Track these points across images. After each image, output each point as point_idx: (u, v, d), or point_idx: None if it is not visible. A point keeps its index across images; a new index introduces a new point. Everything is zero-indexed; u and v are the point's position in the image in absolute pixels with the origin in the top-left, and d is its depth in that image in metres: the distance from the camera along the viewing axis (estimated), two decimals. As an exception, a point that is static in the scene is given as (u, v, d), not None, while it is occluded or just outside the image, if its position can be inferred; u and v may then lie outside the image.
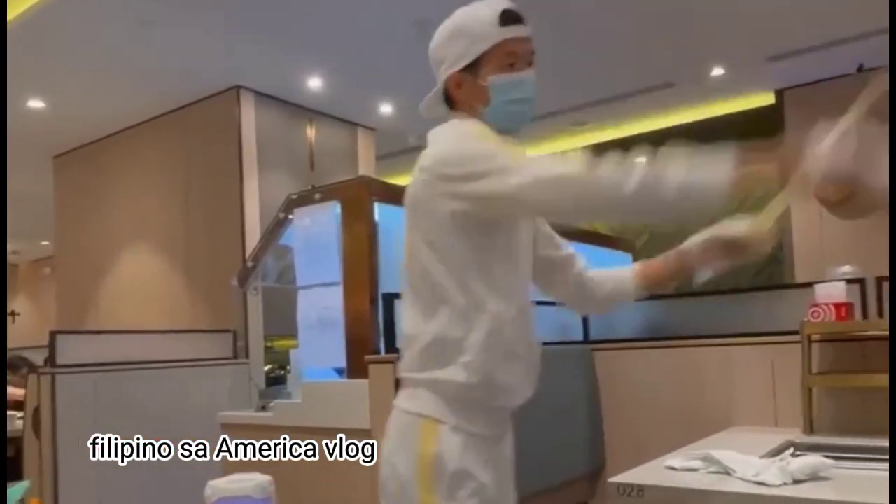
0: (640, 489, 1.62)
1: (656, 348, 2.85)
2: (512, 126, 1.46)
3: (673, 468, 1.76)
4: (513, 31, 1.39)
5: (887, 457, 1.87)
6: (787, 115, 5.82)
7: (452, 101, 1.47)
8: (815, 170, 1.22)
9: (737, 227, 1.45)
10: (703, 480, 1.64)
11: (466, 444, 1.35)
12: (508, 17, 1.38)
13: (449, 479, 1.32)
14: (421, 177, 1.39)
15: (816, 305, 2.31)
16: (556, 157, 1.32)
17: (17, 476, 3.59)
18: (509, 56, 1.39)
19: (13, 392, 4.47)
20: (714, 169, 1.26)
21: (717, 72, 5.57)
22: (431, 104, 1.50)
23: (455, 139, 1.42)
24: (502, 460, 1.46)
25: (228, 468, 2.70)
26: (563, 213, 1.44)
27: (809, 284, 2.48)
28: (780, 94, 5.89)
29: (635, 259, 4.63)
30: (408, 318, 1.44)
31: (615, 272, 1.65)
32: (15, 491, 0.86)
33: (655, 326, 3.13)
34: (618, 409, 2.88)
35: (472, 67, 1.40)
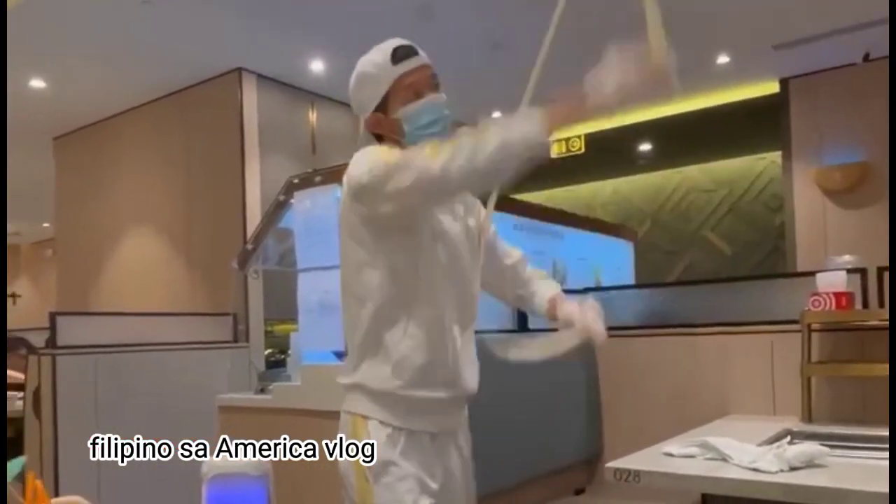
0: (637, 474, 1.62)
1: (655, 336, 2.85)
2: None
3: (670, 454, 1.76)
4: (406, 66, 1.53)
5: (885, 446, 1.87)
6: (792, 104, 5.79)
7: (377, 137, 1.60)
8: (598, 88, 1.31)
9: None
10: (701, 467, 1.65)
11: (391, 437, 1.47)
12: (399, 55, 1.53)
13: (375, 467, 1.45)
14: (344, 197, 1.54)
15: (817, 294, 2.30)
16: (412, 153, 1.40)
17: (18, 456, 3.61)
18: (410, 87, 1.53)
19: (11, 374, 4.48)
20: (526, 121, 1.33)
21: (722, 59, 5.54)
22: (363, 142, 1.63)
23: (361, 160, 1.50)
24: (442, 457, 1.54)
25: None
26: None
27: (811, 273, 2.48)
28: (784, 82, 5.86)
29: (636, 248, 4.63)
30: (343, 322, 1.59)
31: (539, 286, 1.71)
32: (14, 464, 0.86)
33: (655, 314, 3.12)
34: (616, 397, 2.89)
35: (383, 106, 1.55)
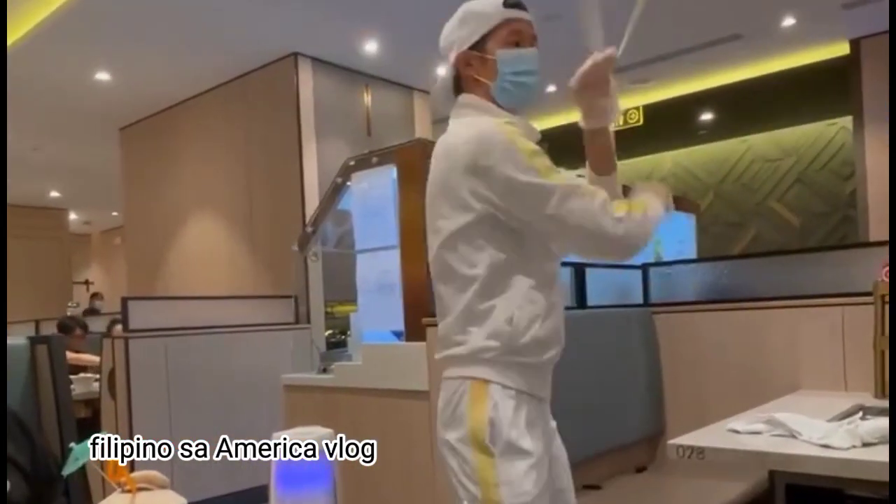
0: (701, 451, 1.59)
1: (719, 311, 2.78)
2: (519, 100, 1.54)
3: (736, 431, 1.72)
4: (515, 13, 1.51)
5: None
6: (864, 66, 5.54)
7: (462, 83, 1.55)
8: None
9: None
10: (768, 443, 1.60)
11: (517, 403, 1.43)
12: (511, 2, 1.51)
13: (500, 441, 1.40)
14: (449, 164, 1.46)
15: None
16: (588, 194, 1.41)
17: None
18: (514, 34, 1.51)
19: (71, 356, 4.68)
20: (660, 199, 1.53)
21: (788, 21, 5.31)
22: (441, 96, 1.60)
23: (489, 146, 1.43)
24: (547, 420, 1.55)
25: (289, 423, 2.78)
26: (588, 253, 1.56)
27: (884, 243, 2.37)
28: (855, 43, 5.59)
29: (698, 221, 4.51)
30: (437, 291, 1.53)
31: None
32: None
33: (719, 288, 3.05)
34: (679, 374, 2.84)
35: (480, 45, 1.51)
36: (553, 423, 1.60)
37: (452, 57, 1.54)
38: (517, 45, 1.51)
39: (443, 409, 1.48)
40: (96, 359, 4.63)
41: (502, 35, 1.50)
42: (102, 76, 5.77)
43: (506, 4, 1.50)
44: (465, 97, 1.54)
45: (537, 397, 1.49)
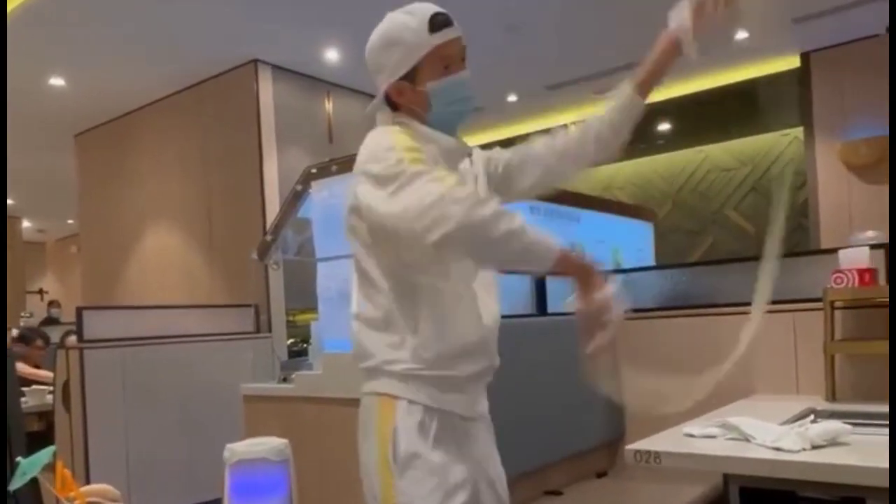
0: (657, 456, 1.62)
1: (676, 317, 2.83)
2: (456, 124, 1.48)
3: (691, 435, 1.75)
4: (443, 36, 1.40)
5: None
6: (813, 78, 5.70)
7: (395, 106, 1.48)
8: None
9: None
10: (722, 447, 1.64)
11: (423, 420, 1.36)
12: (437, 23, 1.40)
13: (402, 458, 1.34)
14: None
15: (840, 271, 2.27)
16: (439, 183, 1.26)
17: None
18: (443, 60, 1.41)
19: (27, 368, 4.57)
20: (547, 248, 1.32)
21: (742, 35, 5.45)
22: (376, 110, 1.52)
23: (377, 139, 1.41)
24: (474, 441, 1.45)
25: (248, 434, 2.75)
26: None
27: (833, 251, 2.44)
28: (805, 56, 5.76)
29: (657, 229, 4.59)
30: (355, 300, 1.46)
31: (611, 106, 1.65)
32: (44, 454, 0.87)
33: (676, 295, 3.10)
34: (638, 379, 2.87)
35: (410, 75, 1.42)
36: (487, 448, 1.50)
37: (382, 83, 1.46)
38: (447, 69, 1.41)
39: (359, 427, 1.45)
40: (39, 372, 4.52)
41: (431, 63, 1.40)
42: (57, 81, 5.65)
43: (432, 28, 1.39)
44: (398, 116, 1.47)
45: (456, 415, 1.40)
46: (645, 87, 1.62)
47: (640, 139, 7.01)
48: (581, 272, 1.36)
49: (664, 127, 6.96)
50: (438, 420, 1.37)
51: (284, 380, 3.00)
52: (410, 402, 1.36)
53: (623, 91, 1.61)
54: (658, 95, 6.31)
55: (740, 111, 6.45)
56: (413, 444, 1.34)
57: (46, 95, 5.88)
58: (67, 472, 0.81)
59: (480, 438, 1.48)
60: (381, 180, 1.29)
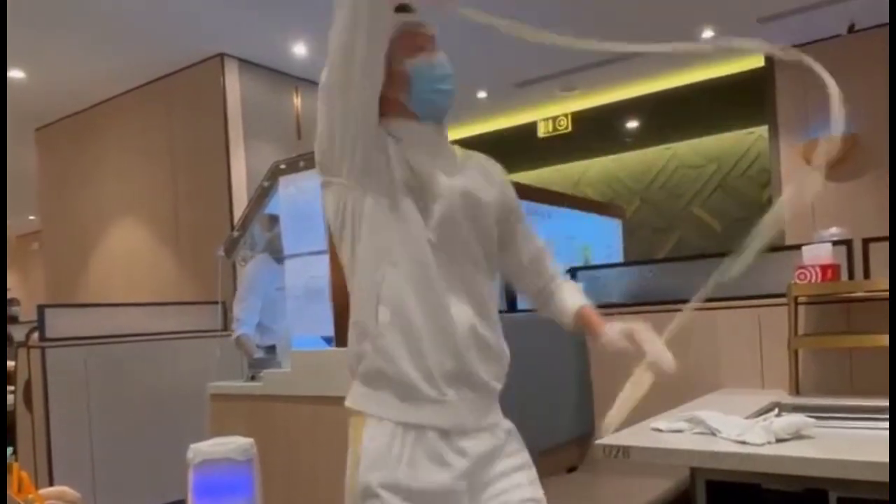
0: (626, 450, 1.63)
1: (644, 313, 2.85)
2: (438, 109, 1.38)
3: (659, 430, 1.77)
4: (408, 17, 1.37)
5: (871, 416, 1.89)
6: (777, 78, 5.79)
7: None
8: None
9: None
10: (689, 441, 1.66)
11: (393, 437, 1.25)
12: (400, 8, 1.35)
13: (363, 488, 1.25)
14: None
15: (803, 267, 2.31)
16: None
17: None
18: (416, 41, 1.35)
19: None
20: None
21: (707, 34, 5.52)
22: None
23: None
24: (458, 460, 1.29)
25: (215, 433, 2.72)
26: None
27: (797, 247, 2.48)
28: (770, 56, 5.85)
29: (625, 226, 4.63)
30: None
31: (567, 302, 1.56)
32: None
33: (644, 291, 3.13)
34: (607, 375, 2.89)
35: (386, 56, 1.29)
36: (490, 469, 1.33)
37: None
38: (421, 49, 1.35)
39: None
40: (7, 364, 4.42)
41: (404, 43, 1.33)
42: (16, 73, 5.51)
43: (396, 10, 1.33)
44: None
45: (432, 430, 1.26)
46: (579, 326, 1.56)
47: (609, 137, 7.07)
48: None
49: (632, 125, 7.02)
50: (413, 440, 1.25)
51: (253, 378, 2.97)
52: (379, 419, 1.27)
53: (566, 316, 1.56)
54: (626, 93, 6.38)
55: (706, 109, 6.53)
56: (373, 473, 1.24)
57: (6, 87, 5.73)
58: (25, 474, 0.79)
59: (479, 457, 1.31)
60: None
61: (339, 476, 2.49)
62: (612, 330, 1.48)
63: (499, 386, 1.39)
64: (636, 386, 1.43)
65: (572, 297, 1.54)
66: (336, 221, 1.34)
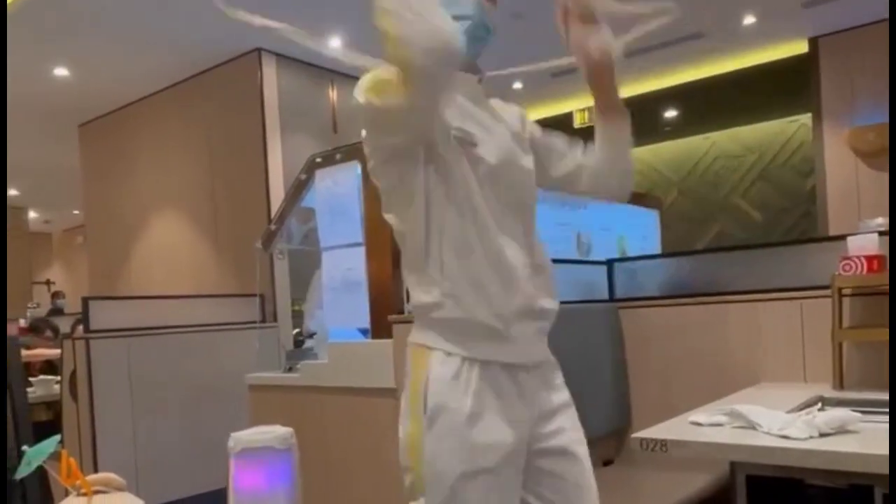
0: (664, 444, 1.61)
1: (683, 305, 2.81)
2: (477, 50, 1.43)
3: (698, 423, 1.74)
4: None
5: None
6: (821, 64, 5.65)
7: None
8: None
9: None
10: (728, 435, 1.63)
11: (459, 371, 1.28)
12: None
13: (431, 409, 1.27)
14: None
15: (848, 258, 2.26)
16: None
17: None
18: None
19: (44, 352, 4.60)
20: None
21: (749, 20, 5.40)
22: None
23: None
24: (529, 397, 1.34)
25: (254, 422, 2.76)
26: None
27: (841, 237, 2.42)
28: (814, 41, 5.71)
29: (662, 217, 4.57)
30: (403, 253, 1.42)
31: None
32: (49, 444, 0.87)
33: (683, 283, 3.09)
34: (644, 368, 2.87)
35: None
36: (544, 403, 1.37)
37: None
38: None
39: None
40: (51, 352, 4.54)
41: None
42: (61, 72, 5.64)
43: None
44: None
45: (497, 365, 1.31)
46: (601, 111, 1.55)
47: (646, 127, 6.98)
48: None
49: (670, 114, 6.92)
50: (479, 371, 1.29)
51: (290, 369, 3.01)
52: (447, 353, 1.29)
53: (599, 132, 1.56)
54: (664, 82, 6.27)
55: (747, 97, 6.41)
56: (443, 395, 1.27)
57: (51, 86, 5.87)
58: (73, 461, 0.81)
59: (536, 392, 1.36)
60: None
61: (374, 466, 2.51)
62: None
63: (556, 306, 1.42)
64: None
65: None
66: (388, 183, 1.36)
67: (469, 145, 1.33)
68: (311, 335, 3.36)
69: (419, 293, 1.34)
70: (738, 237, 6.46)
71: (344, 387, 2.58)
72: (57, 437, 0.90)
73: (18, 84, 5.81)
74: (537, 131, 1.54)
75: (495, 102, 1.51)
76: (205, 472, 3.74)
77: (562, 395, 1.44)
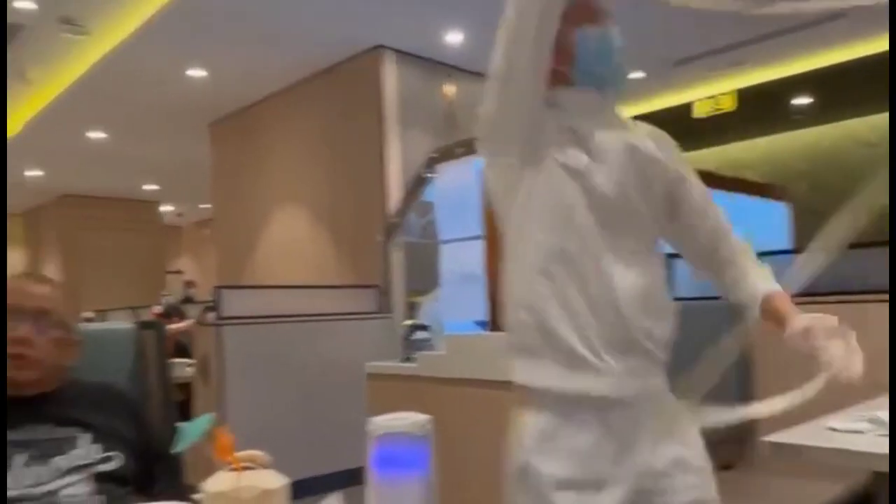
0: (798, 450, 1.53)
1: (814, 304, 2.65)
2: (601, 81, 1.32)
3: (834, 429, 1.65)
4: None
5: None
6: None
7: None
8: None
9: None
10: (871, 443, 1.53)
11: (546, 426, 1.25)
12: None
13: (519, 464, 1.27)
14: None
15: None
16: None
17: (187, 419, 3.97)
18: (585, 9, 1.30)
19: (179, 327, 5.00)
20: None
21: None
22: None
23: None
24: (623, 436, 1.27)
25: (372, 410, 2.84)
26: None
27: None
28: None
29: (793, 210, 4.33)
30: None
31: (751, 289, 1.45)
32: (202, 422, 0.93)
33: (817, 280, 2.91)
34: (770, 370, 2.73)
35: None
36: (644, 444, 1.29)
37: None
38: (590, 21, 1.29)
39: None
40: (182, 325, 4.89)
41: (573, 14, 1.26)
42: (196, 72, 5.96)
43: None
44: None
45: (589, 399, 1.24)
46: (766, 316, 1.45)
47: (775, 115, 6.62)
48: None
49: (801, 101, 6.53)
50: (557, 409, 1.25)
51: (407, 359, 3.08)
52: (540, 406, 1.26)
53: (751, 309, 1.46)
54: (795, 67, 5.92)
55: (884, 83, 5.95)
56: (526, 450, 1.26)
57: (185, 86, 6.23)
58: (230, 438, 0.87)
59: (633, 431, 1.28)
60: None
61: (491, 457, 2.52)
62: (795, 325, 1.36)
63: (662, 353, 1.36)
64: (808, 387, 1.32)
65: (759, 282, 1.42)
66: (496, 197, 1.36)
67: (574, 174, 1.26)
68: (424, 327, 3.42)
69: (510, 313, 1.34)
70: (875, 232, 6.03)
71: (461, 378, 2.61)
72: (211, 415, 0.96)
73: (156, 85, 6.21)
74: (690, 180, 1.44)
75: (648, 129, 1.41)
76: (327, 453, 3.87)
77: (677, 448, 1.37)
